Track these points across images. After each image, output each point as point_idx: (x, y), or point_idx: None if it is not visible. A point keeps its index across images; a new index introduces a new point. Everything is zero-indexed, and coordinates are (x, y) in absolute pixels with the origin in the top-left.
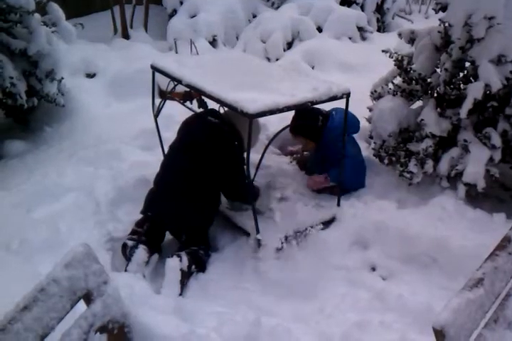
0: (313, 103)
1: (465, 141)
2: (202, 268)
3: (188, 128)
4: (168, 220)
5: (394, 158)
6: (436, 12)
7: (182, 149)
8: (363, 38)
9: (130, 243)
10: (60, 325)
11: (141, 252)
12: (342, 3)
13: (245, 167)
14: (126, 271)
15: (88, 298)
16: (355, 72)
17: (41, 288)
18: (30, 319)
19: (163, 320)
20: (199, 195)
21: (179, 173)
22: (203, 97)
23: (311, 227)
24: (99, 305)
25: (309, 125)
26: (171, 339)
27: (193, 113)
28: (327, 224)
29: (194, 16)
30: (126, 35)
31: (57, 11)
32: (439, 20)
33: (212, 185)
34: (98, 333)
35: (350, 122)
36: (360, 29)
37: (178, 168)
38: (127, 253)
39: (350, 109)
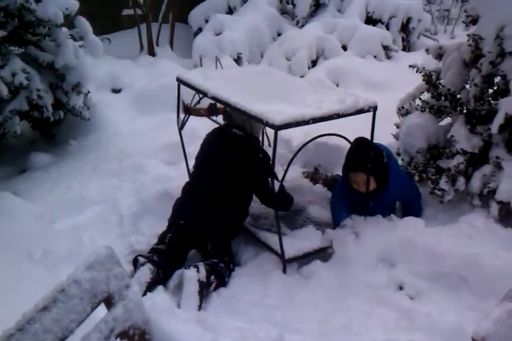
0: (339, 116)
1: (497, 157)
2: (222, 281)
3: (213, 142)
4: (196, 226)
5: (424, 175)
6: (467, 25)
7: (210, 165)
8: (388, 57)
9: (141, 260)
10: (79, 329)
11: (145, 271)
12: (367, 22)
13: (270, 179)
14: None
15: (109, 302)
16: (380, 91)
17: (61, 288)
18: (49, 320)
19: (186, 328)
20: (228, 205)
21: (209, 187)
22: (228, 110)
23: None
24: (121, 310)
25: (377, 162)
26: None
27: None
28: (350, 241)
29: (219, 34)
30: (152, 53)
31: (84, 24)
32: (468, 35)
33: (241, 197)
34: (119, 339)
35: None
36: (386, 48)
37: (208, 182)
38: (136, 268)
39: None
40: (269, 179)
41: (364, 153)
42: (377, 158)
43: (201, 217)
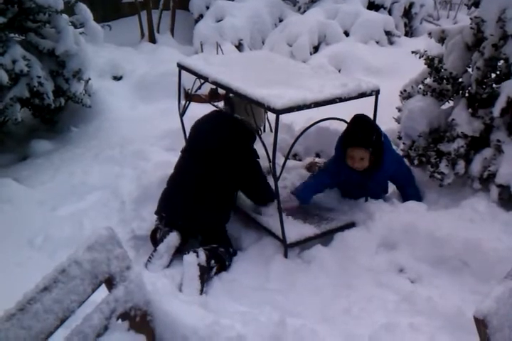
0: (341, 99)
1: (498, 141)
2: (223, 265)
3: (200, 130)
4: (181, 221)
5: (424, 159)
6: (469, 7)
7: (195, 154)
8: (391, 42)
9: (163, 228)
10: (80, 310)
11: (174, 236)
12: (369, 8)
13: (271, 164)
14: (155, 250)
15: (110, 283)
16: (382, 76)
17: (62, 269)
18: (49, 300)
19: (187, 309)
20: (211, 197)
21: (191, 176)
22: (229, 96)
23: (336, 229)
24: (122, 291)
25: (376, 138)
26: (195, 329)
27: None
28: (352, 225)
29: (220, 20)
30: (152, 40)
31: (85, 11)
32: (471, 19)
33: (225, 185)
34: (120, 320)
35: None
36: (388, 33)
37: (191, 171)
38: (158, 236)
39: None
40: (272, 166)
41: (364, 129)
42: (375, 135)
43: (186, 211)
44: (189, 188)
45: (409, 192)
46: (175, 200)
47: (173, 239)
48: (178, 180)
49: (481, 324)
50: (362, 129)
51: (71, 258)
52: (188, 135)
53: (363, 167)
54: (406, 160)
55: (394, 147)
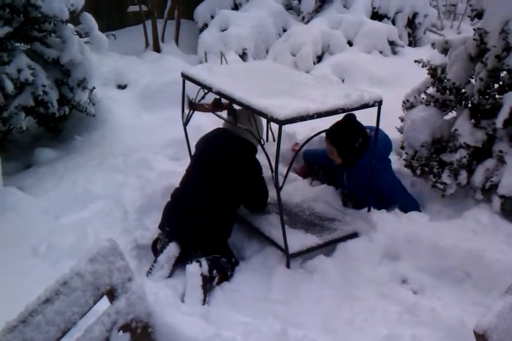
0: (344, 110)
1: (500, 152)
2: (225, 275)
3: (205, 145)
4: (186, 235)
5: (426, 169)
6: (472, 19)
7: (198, 168)
8: (394, 52)
9: (163, 238)
10: (82, 321)
11: (174, 246)
12: (373, 18)
13: (273, 174)
14: (156, 261)
15: (112, 295)
16: (385, 86)
17: (64, 281)
18: (51, 312)
19: (188, 321)
20: (215, 211)
21: (196, 191)
22: (233, 106)
23: (339, 239)
24: (123, 303)
25: (346, 141)
26: None
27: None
28: (354, 236)
29: (225, 30)
30: (157, 49)
31: (90, 20)
32: (474, 30)
33: (228, 200)
34: (121, 332)
35: (386, 143)
36: (391, 43)
37: (196, 186)
38: (159, 246)
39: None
40: (274, 176)
41: (339, 127)
42: (349, 138)
43: (190, 225)
44: (194, 202)
45: (399, 204)
46: (180, 214)
47: (172, 249)
48: (183, 194)
49: (481, 339)
50: (338, 127)
51: (73, 270)
52: (192, 150)
53: (333, 159)
54: (409, 170)
55: (396, 157)
